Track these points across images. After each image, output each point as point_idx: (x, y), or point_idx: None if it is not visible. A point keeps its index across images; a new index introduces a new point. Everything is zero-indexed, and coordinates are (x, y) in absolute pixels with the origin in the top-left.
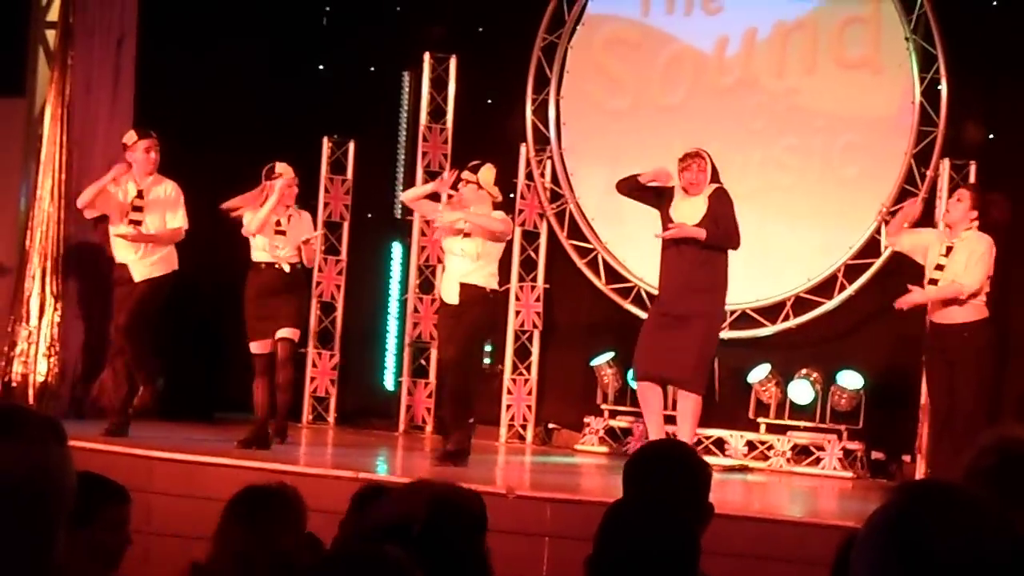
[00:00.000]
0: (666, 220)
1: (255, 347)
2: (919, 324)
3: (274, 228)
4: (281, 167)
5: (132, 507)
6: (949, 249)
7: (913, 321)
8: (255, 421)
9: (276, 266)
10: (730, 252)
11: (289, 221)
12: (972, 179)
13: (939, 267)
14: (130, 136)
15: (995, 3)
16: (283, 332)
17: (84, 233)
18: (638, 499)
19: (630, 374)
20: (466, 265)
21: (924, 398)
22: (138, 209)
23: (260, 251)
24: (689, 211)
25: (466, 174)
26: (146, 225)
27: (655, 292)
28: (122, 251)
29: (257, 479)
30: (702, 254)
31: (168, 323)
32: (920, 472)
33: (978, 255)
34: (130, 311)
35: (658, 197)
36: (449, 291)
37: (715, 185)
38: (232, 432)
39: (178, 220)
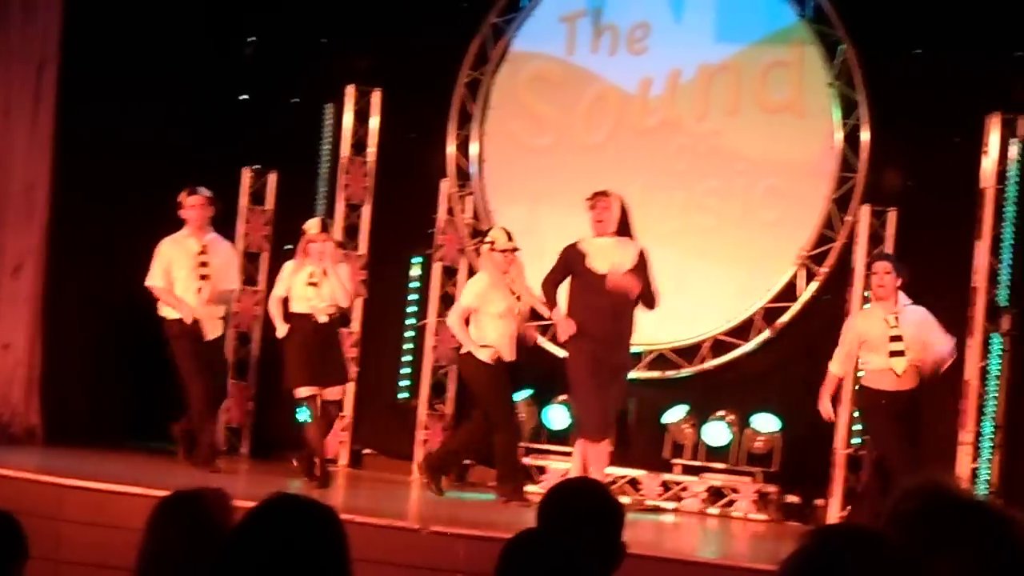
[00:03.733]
0: (589, 272)
1: None
2: None
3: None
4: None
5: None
6: (896, 318)
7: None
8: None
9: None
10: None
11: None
12: (890, 226)
13: (896, 338)
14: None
15: (917, 51)
16: None
17: (3, 259)
18: (533, 534)
19: (545, 412)
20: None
21: (839, 443)
22: (205, 264)
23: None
24: (619, 259)
25: (508, 244)
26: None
27: None
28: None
29: None
30: (628, 306)
31: (97, 348)
32: (834, 516)
33: (934, 324)
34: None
35: (569, 269)
36: (509, 348)
37: (639, 244)
38: (146, 461)
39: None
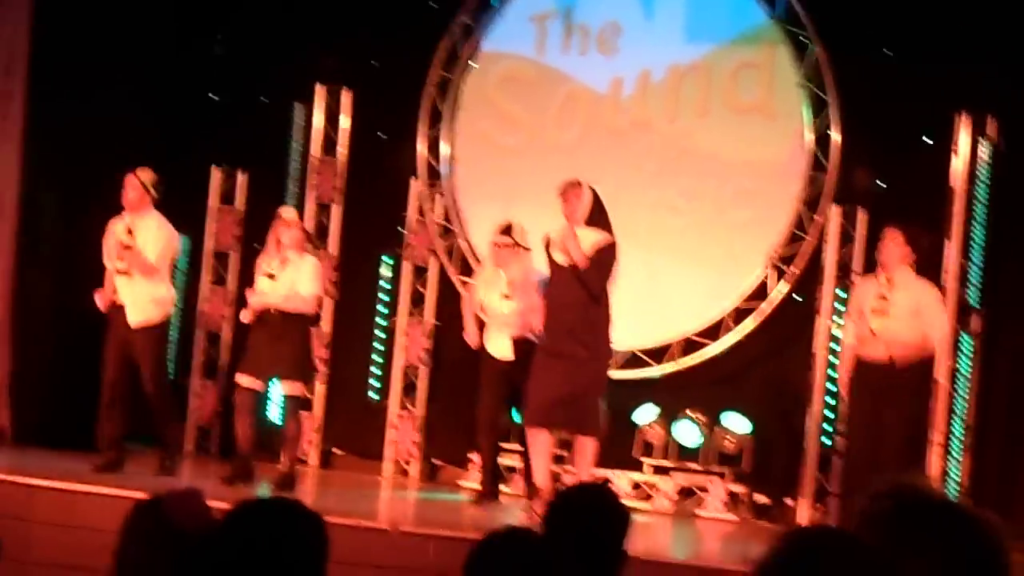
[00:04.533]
0: (552, 262)
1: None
2: (804, 368)
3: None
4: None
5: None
6: (889, 281)
7: (799, 365)
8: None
9: None
10: (613, 292)
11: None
12: (860, 226)
13: (882, 298)
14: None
15: (887, 52)
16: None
17: None
18: (503, 535)
19: (515, 413)
20: (512, 322)
21: (810, 442)
22: (128, 247)
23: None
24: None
25: (500, 238)
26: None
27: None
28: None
29: None
30: (585, 294)
31: (67, 348)
32: (804, 515)
33: (938, 307)
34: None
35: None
36: (502, 348)
37: (609, 236)
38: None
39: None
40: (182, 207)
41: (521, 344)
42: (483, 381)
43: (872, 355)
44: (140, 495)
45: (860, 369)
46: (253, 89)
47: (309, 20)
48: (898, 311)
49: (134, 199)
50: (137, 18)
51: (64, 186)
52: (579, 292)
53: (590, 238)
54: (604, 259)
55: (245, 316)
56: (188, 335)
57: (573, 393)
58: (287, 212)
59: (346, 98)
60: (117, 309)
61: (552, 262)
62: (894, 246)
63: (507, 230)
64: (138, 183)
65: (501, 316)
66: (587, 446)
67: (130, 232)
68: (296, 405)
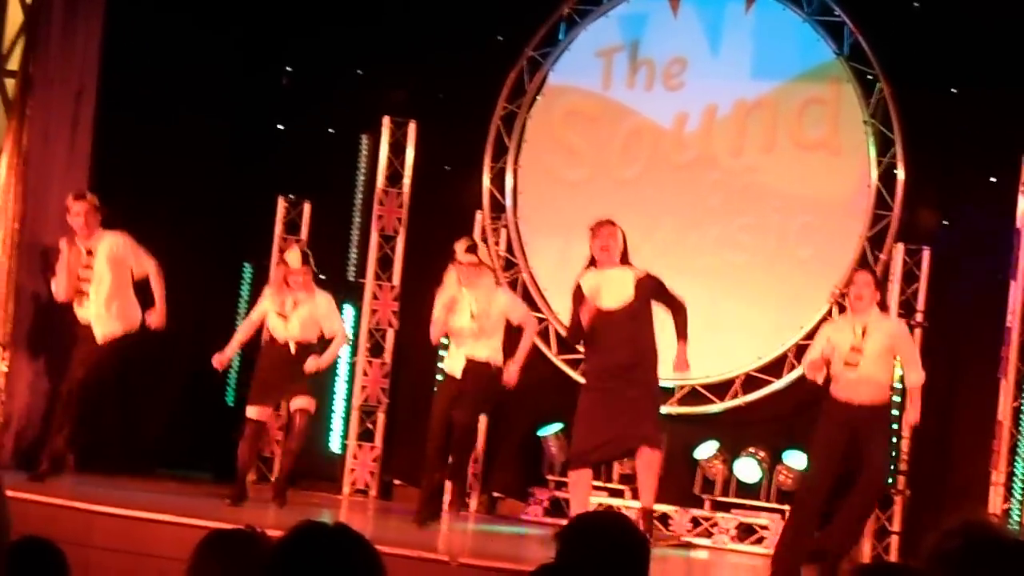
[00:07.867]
0: (594, 310)
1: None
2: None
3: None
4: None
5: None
6: (863, 330)
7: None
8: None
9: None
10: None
11: None
12: (924, 266)
13: (856, 349)
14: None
15: (954, 90)
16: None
17: (38, 284)
18: (554, 568)
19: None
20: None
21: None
22: (88, 267)
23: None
24: (616, 295)
25: (465, 256)
26: (99, 279)
27: None
28: (83, 310)
29: (200, 536)
30: (632, 325)
31: (128, 375)
32: (865, 553)
33: (911, 346)
34: (89, 368)
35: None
36: (457, 365)
37: (640, 270)
38: (174, 488)
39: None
40: (247, 235)
41: (472, 363)
42: (436, 398)
43: (847, 399)
44: (198, 523)
45: (835, 408)
46: (320, 120)
47: (377, 53)
48: (872, 358)
49: (81, 225)
50: (205, 47)
51: (130, 214)
52: (626, 331)
53: (625, 285)
54: (660, 290)
55: (229, 351)
56: (249, 363)
57: (633, 410)
58: (293, 260)
59: (412, 130)
60: (85, 327)
61: (593, 309)
62: (868, 292)
63: (472, 248)
64: (84, 208)
65: (469, 335)
66: (654, 460)
67: (89, 253)
68: (309, 420)
